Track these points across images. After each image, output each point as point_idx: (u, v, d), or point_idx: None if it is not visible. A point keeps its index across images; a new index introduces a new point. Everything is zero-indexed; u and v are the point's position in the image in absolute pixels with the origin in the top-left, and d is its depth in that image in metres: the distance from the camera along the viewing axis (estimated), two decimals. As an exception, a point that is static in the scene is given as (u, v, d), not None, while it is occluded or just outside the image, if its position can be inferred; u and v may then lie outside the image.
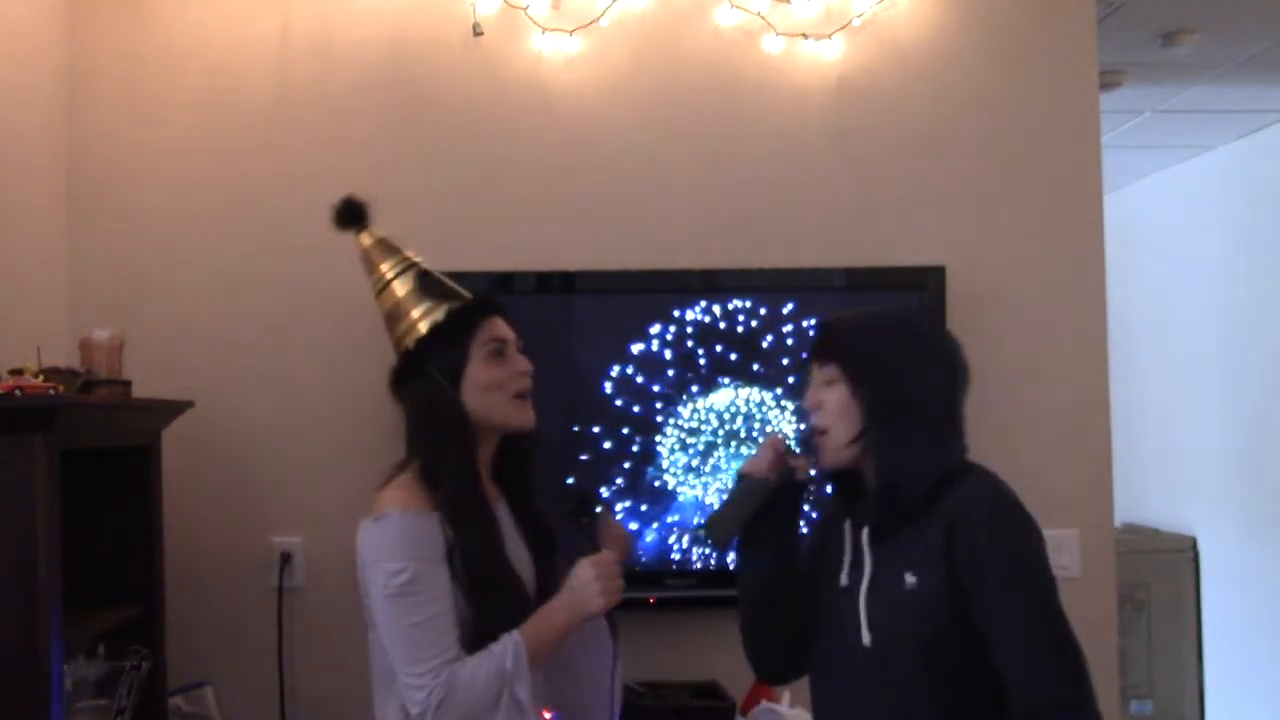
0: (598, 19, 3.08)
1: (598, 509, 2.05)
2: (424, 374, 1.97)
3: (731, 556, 2.99)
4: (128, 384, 2.63)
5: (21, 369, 2.21)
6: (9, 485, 2.05)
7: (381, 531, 1.85)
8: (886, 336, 1.83)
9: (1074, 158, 3.17)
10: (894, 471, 1.76)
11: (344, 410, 3.01)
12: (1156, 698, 5.17)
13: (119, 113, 3.06)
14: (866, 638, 1.76)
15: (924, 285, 3.01)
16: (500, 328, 2.03)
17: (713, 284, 3.02)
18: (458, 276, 2.97)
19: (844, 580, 1.83)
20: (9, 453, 2.04)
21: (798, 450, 1.94)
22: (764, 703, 2.76)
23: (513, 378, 2.01)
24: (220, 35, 3.08)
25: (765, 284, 3.02)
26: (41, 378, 2.20)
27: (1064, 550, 3.08)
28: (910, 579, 1.73)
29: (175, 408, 2.72)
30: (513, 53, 3.10)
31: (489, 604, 1.86)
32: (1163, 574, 5.23)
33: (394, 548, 1.84)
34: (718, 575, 2.98)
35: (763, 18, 3.10)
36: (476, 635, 1.85)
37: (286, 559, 2.98)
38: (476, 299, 2.07)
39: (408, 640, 1.81)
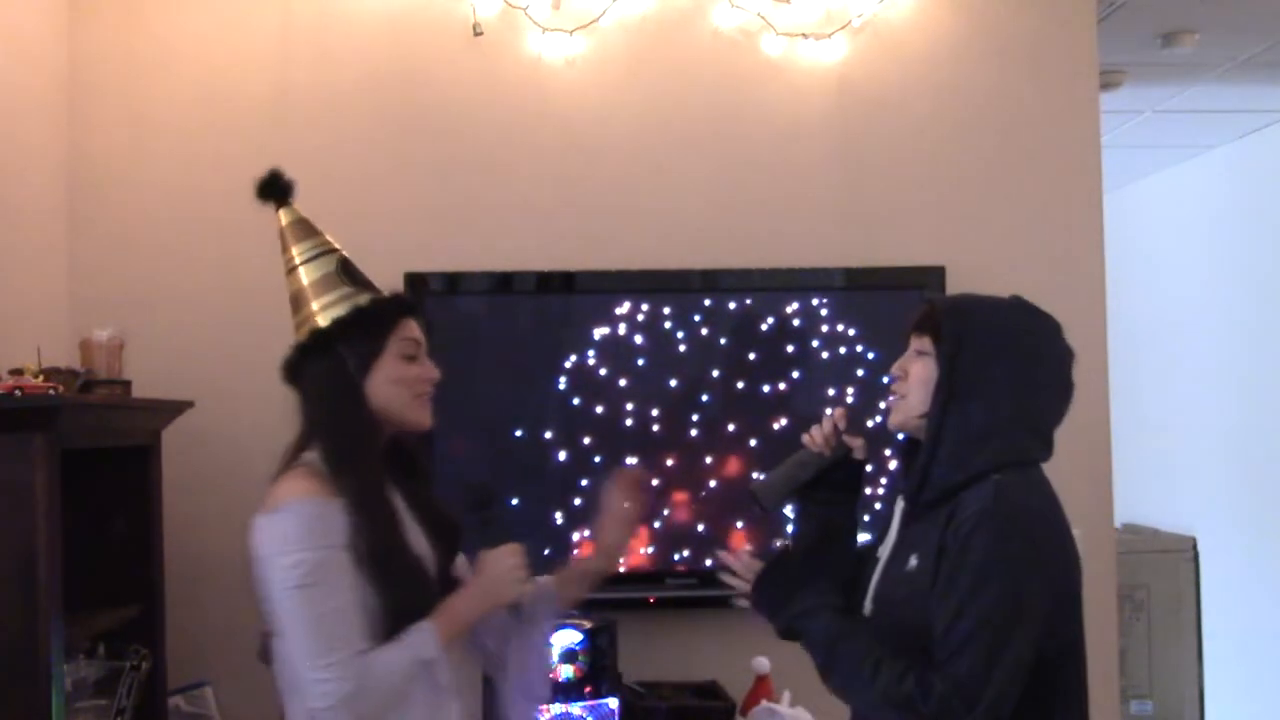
0: (598, 19, 3.08)
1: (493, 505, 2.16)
2: (333, 356, 1.93)
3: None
4: (128, 384, 2.63)
5: (21, 369, 2.22)
6: (9, 485, 2.05)
7: (279, 522, 1.77)
8: (981, 325, 1.80)
9: (1074, 158, 3.17)
10: (933, 455, 1.76)
11: (344, 410, 3.02)
12: (1156, 698, 5.17)
13: (119, 114, 3.06)
14: (868, 608, 1.83)
15: (924, 285, 3.01)
16: (415, 330, 1.99)
17: (713, 284, 3.03)
18: (458, 276, 3.02)
19: (880, 552, 1.87)
20: (9, 453, 2.05)
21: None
22: (764, 703, 2.76)
23: (420, 381, 1.97)
24: (219, 36, 3.08)
25: (765, 284, 3.02)
26: (41, 378, 2.20)
27: (1064, 550, 3.08)
28: (913, 561, 1.75)
29: (175, 408, 2.72)
30: (513, 53, 3.10)
31: (396, 592, 1.82)
32: (1163, 574, 5.23)
33: (292, 538, 1.76)
34: (718, 575, 2.98)
35: (763, 18, 3.10)
36: (384, 624, 1.81)
37: (286, 559, 2.97)
38: (399, 296, 2.04)
39: (312, 633, 1.73)
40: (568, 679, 2.66)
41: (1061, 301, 3.11)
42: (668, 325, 3.00)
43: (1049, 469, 1.87)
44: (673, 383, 3.00)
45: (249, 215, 3.05)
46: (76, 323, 2.89)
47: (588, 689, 2.67)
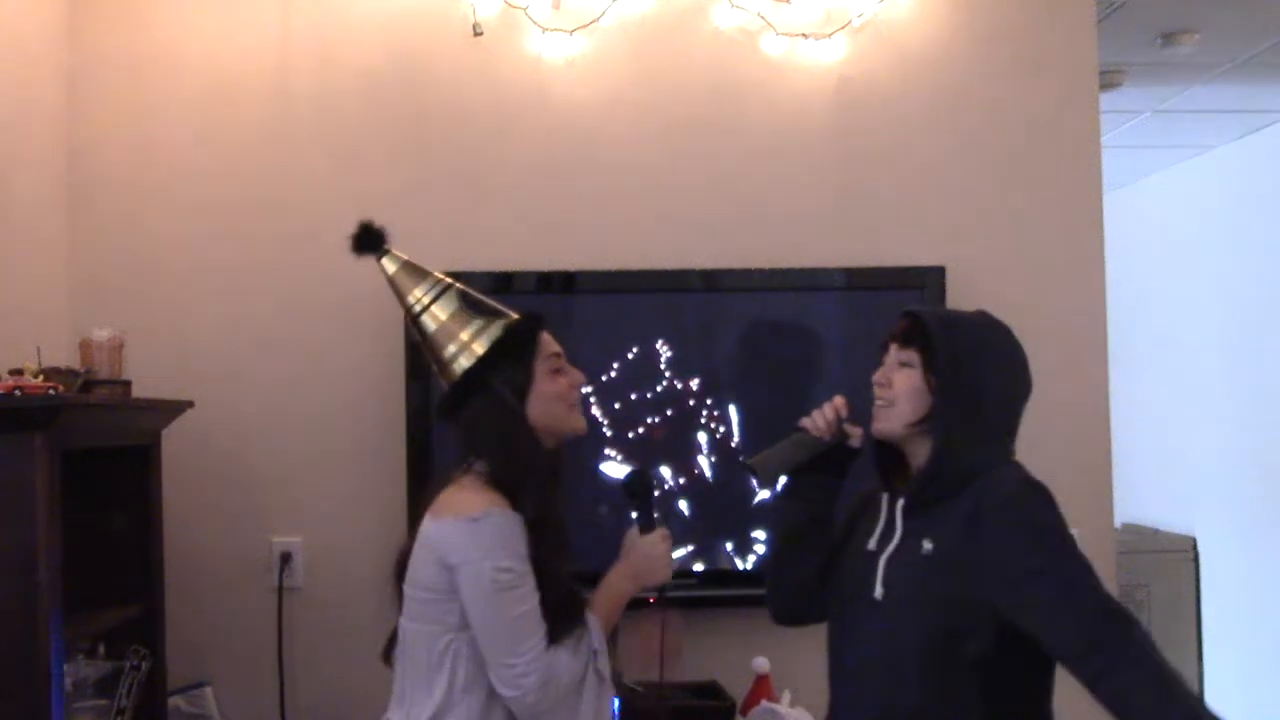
0: (598, 19, 3.08)
1: (654, 491, 2.15)
2: (488, 390, 2.02)
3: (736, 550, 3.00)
4: (128, 384, 2.63)
5: (21, 369, 2.22)
6: (9, 485, 2.05)
7: (485, 530, 1.91)
8: (969, 336, 1.93)
9: (1074, 158, 3.17)
10: (950, 455, 1.88)
11: (344, 410, 3.02)
12: (1156, 698, 5.17)
13: (119, 114, 3.06)
14: (879, 593, 1.90)
15: (924, 285, 3.01)
16: (552, 342, 2.09)
17: (713, 284, 3.03)
18: (458, 276, 3.00)
19: (872, 545, 1.95)
20: (9, 453, 2.05)
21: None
22: (764, 703, 2.76)
23: (572, 389, 2.09)
24: (220, 36, 3.08)
25: (765, 284, 3.02)
26: (41, 378, 2.20)
27: (1064, 550, 3.08)
28: (927, 545, 1.86)
29: (175, 408, 2.72)
30: (513, 53, 3.10)
31: (553, 599, 1.95)
32: (1163, 574, 5.23)
33: (500, 545, 1.90)
34: (718, 575, 2.99)
35: (763, 18, 3.10)
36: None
37: (286, 559, 2.98)
38: (530, 315, 2.11)
39: (510, 630, 1.90)
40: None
41: (1061, 301, 3.16)
42: (668, 325, 3.00)
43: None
44: (672, 383, 3.00)
45: (250, 215, 3.08)
46: (76, 323, 2.88)
47: (588, 689, 2.67)
